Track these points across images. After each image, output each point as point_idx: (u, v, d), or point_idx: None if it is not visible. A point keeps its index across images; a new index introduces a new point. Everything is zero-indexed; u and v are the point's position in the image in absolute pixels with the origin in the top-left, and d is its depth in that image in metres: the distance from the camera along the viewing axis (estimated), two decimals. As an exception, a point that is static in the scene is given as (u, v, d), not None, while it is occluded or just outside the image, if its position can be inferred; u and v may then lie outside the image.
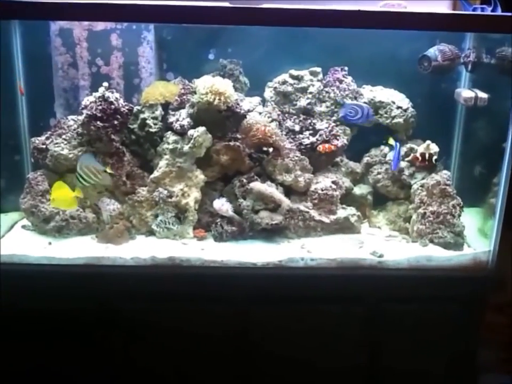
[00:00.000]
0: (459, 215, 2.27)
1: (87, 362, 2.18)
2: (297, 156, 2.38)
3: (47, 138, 2.36)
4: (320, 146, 2.37)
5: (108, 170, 2.21)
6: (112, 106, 2.26)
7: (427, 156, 2.27)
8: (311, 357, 2.19)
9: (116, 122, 2.27)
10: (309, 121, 2.45)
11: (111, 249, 2.21)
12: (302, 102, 2.50)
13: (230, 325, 2.14)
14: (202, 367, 2.20)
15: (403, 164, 2.41)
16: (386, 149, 2.51)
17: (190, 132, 2.29)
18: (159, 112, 2.37)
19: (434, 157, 2.28)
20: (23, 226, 2.38)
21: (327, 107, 2.51)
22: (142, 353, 2.18)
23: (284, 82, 2.49)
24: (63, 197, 2.13)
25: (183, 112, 2.36)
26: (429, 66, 2.28)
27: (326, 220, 2.35)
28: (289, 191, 2.39)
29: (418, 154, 2.32)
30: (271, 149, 2.35)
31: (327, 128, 2.42)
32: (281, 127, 2.42)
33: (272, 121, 2.39)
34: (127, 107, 2.31)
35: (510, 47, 2.16)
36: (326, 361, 2.19)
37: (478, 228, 2.37)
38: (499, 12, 2.11)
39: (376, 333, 2.17)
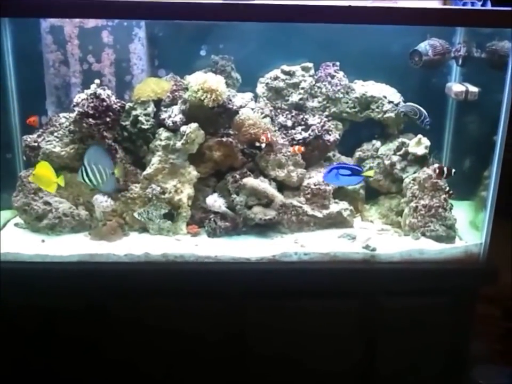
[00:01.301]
0: (450, 208, 2.29)
1: (80, 359, 2.18)
2: (289, 151, 2.39)
3: (39, 136, 2.36)
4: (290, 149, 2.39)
5: (117, 173, 2.21)
6: (104, 103, 2.26)
7: (445, 170, 2.27)
8: (306, 351, 2.20)
9: (108, 119, 2.27)
10: (301, 116, 2.46)
11: (104, 246, 2.20)
12: (294, 97, 2.51)
13: (225, 320, 2.15)
14: (197, 363, 2.21)
15: (394, 158, 2.43)
16: (378, 143, 2.53)
17: (183, 128, 2.29)
18: (151, 108, 2.37)
19: (453, 170, 2.28)
20: (16, 224, 2.37)
21: (319, 102, 2.52)
22: (136, 350, 2.18)
23: (276, 78, 2.50)
24: (45, 176, 2.12)
25: (175, 109, 2.36)
26: (420, 61, 2.29)
27: (319, 215, 2.36)
28: (282, 186, 2.40)
29: (436, 167, 2.28)
30: (263, 145, 2.36)
31: (319, 123, 2.43)
32: (273, 122, 2.43)
33: (264, 117, 2.40)
34: (119, 104, 2.31)
35: (500, 41, 2.17)
36: (320, 355, 2.21)
37: (470, 221, 2.38)
38: (489, 7, 2.13)
39: (370, 326, 2.18)
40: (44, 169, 2.14)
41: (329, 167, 2.25)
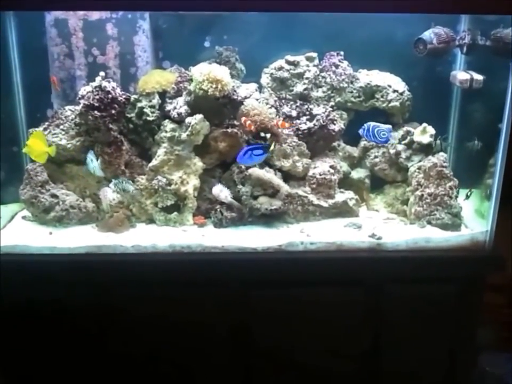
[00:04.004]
0: (456, 196, 2.29)
1: (87, 350, 2.21)
2: (294, 141, 2.39)
3: (45, 129, 2.37)
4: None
5: None
6: (109, 96, 2.27)
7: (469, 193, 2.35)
8: (312, 340, 2.21)
9: (113, 111, 2.28)
10: (306, 106, 2.46)
11: (111, 238, 2.22)
12: (299, 87, 2.51)
13: (231, 309, 2.16)
14: (203, 352, 2.22)
15: (400, 147, 2.43)
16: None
17: (188, 119, 2.29)
18: (156, 100, 2.37)
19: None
20: (24, 217, 2.39)
21: (323, 92, 2.52)
22: (143, 339, 2.20)
23: (280, 68, 2.50)
24: (36, 147, 2.19)
25: (180, 100, 2.37)
26: (425, 49, 2.29)
27: (325, 204, 2.37)
28: (287, 176, 2.41)
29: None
30: (268, 135, 2.36)
31: (323, 113, 2.43)
32: (278, 113, 2.43)
33: (270, 107, 2.40)
34: (124, 96, 2.31)
35: (504, 29, 2.17)
36: (326, 343, 2.22)
37: (475, 209, 2.38)
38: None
39: (376, 315, 2.19)
40: (36, 139, 2.19)
41: (243, 150, 2.21)
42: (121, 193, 2.27)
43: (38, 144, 2.19)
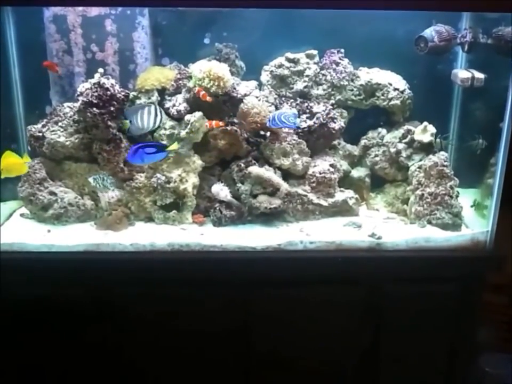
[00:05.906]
0: (456, 196, 2.28)
1: (84, 348, 2.20)
2: (294, 140, 2.38)
3: (44, 126, 2.36)
4: (207, 123, 2.28)
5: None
6: (108, 93, 2.25)
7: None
8: (311, 339, 2.20)
9: (112, 108, 2.26)
10: (306, 104, 2.45)
11: (110, 236, 2.21)
12: (299, 85, 2.49)
13: (230, 308, 2.15)
14: (202, 351, 2.21)
15: (400, 146, 2.42)
16: (383, 131, 2.52)
17: (187, 117, 2.28)
18: (155, 97, 2.36)
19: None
20: (22, 215, 2.38)
21: (323, 90, 2.50)
22: (141, 338, 2.19)
23: (280, 66, 2.49)
24: (12, 165, 2.14)
25: (180, 97, 2.36)
26: (426, 47, 2.27)
27: (324, 203, 2.36)
28: (287, 174, 2.39)
29: None
30: (268, 133, 2.35)
31: (324, 111, 2.41)
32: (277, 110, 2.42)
33: (270, 105, 2.39)
34: (123, 93, 2.30)
35: (506, 27, 2.15)
36: (325, 343, 2.21)
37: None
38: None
39: (376, 315, 2.19)
40: (8, 159, 2.14)
41: (133, 147, 2.16)
42: (101, 189, 2.25)
43: (12, 161, 2.15)
